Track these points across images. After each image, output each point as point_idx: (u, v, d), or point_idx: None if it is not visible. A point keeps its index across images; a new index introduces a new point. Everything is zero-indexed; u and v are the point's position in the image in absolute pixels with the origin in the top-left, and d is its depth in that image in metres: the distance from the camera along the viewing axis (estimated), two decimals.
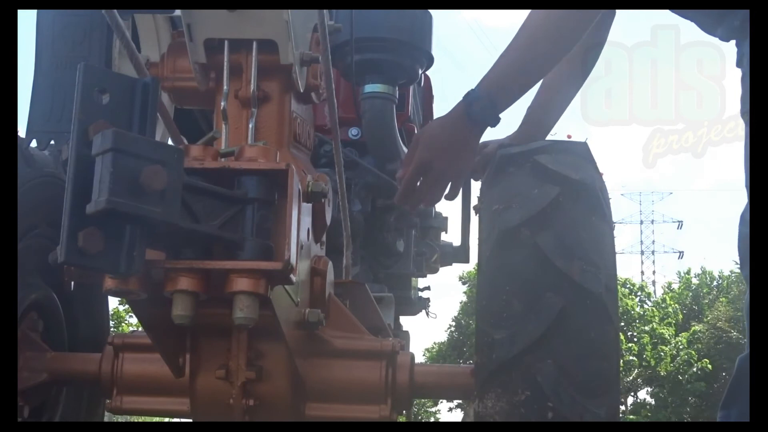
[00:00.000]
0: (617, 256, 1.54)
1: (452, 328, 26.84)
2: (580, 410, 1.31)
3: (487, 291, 1.42)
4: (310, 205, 1.41)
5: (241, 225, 1.21)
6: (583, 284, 1.36)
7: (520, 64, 1.82)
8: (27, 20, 1.81)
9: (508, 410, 1.33)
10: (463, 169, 1.85)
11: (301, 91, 1.60)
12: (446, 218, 2.71)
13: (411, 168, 1.78)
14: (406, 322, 2.70)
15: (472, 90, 1.80)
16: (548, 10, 1.80)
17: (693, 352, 23.84)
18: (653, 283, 35.08)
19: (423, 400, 20.94)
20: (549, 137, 2.54)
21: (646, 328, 24.74)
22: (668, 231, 54.90)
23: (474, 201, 2.60)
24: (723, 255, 51.71)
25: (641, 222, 40.63)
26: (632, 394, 25.63)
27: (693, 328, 25.35)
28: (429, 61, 2.17)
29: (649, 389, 25.48)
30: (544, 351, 1.33)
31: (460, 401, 14.85)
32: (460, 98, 1.82)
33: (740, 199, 2.02)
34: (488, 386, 1.36)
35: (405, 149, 2.24)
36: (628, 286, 26.73)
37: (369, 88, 2.11)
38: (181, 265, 1.18)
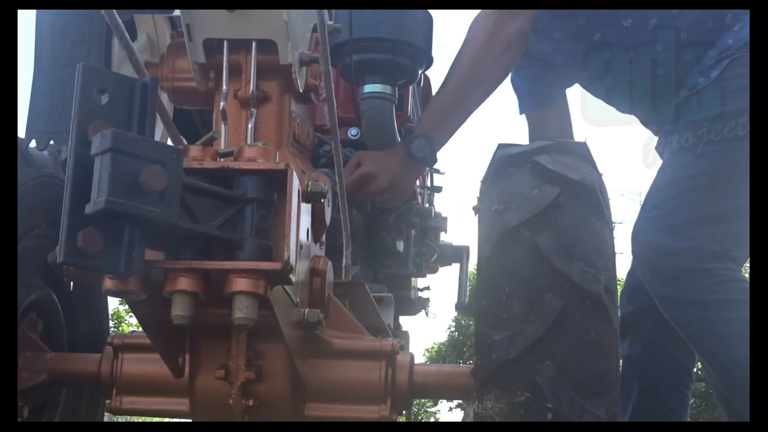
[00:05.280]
0: (617, 256, 1.54)
1: (452, 328, 26.81)
2: (580, 411, 1.31)
3: (487, 292, 1.42)
4: (309, 205, 1.41)
5: (240, 225, 1.21)
6: (583, 285, 1.36)
7: (451, 107, 2.12)
8: (27, 20, 1.81)
9: (508, 411, 1.33)
10: (402, 193, 2.15)
11: (301, 91, 1.60)
12: (446, 218, 2.70)
13: (356, 176, 2.04)
14: (405, 322, 2.70)
15: (410, 130, 2.12)
16: (473, 55, 2.13)
17: None
18: None
19: (423, 400, 20.92)
20: None
21: None
22: None
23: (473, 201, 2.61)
24: None
25: None
26: None
27: None
28: (429, 61, 2.16)
29: None
30: (544, 352, 1.33)
31: (460, 401, 14.83)
32: None
33: None
34: (488, 387, 1.36)
35: None
36: None
37: (368, 88, 2.11)
38: (180, 265, 1.18)
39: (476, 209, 1.56)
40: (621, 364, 2.32)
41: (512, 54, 2.17)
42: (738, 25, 2.04)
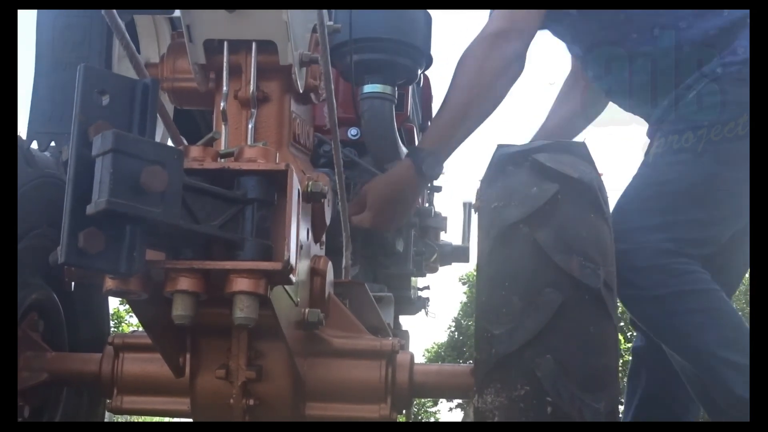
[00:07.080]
0: None
1: (452, 328, 26.80)
2: (579, 405, 1.31)
3: (487, 287, 1.43)
4: (309, 205, 1.41)
5: (240, 225, 1.21)
6: (582, 280, 1.36)
7: (453, 126, 2.14)
8: (27, 21, 1.82)
9: (508, 405, 1.33)
10: (409, 213, 2.27)
11: (301, 91, 1.60)
12: (445, 218, 2.70)
13: (365, 222, 2.10)
14: (405, 321, 2.70)
15: (417, 148, 2.15)
16: (469, 79, 2.13)
17: None
18: None
19: (423, 400, 20.91)
20: None
21: None
22: None
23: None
24: None
25: None
26: None
27: None
28: (428, 61, 2.17)
29: None
30: (544, 346, 1.33)
31: (460, 401, 14.80)
32: None
33: None
34: (487, 381, 1.36)
35: (404, 149, 2.26)
36: None
37: (368, 88, 2.11)
38: (181, 265, 1.19)
39: (476, 207, 1.57)
40: (632, 356, 2.38)
41: (510, 74, 2.14)
42: (730, 48, 2.06)
